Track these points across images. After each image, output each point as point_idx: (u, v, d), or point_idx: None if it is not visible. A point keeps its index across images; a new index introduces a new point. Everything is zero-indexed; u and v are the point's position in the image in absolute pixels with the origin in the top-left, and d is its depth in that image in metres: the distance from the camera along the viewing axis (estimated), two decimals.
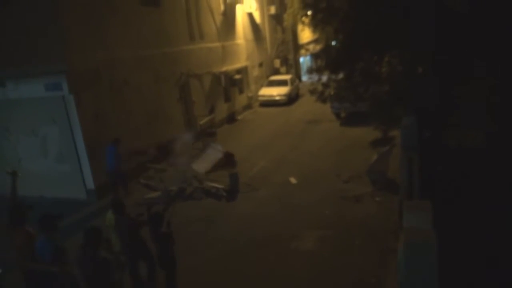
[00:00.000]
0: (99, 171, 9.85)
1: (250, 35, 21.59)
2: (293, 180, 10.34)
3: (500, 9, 6.73)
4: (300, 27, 24.46)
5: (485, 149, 7.41)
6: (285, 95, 20.99)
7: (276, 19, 26.00)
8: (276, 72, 25.63)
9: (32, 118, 10.11)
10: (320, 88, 10.14)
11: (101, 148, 10.00)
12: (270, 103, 20.91)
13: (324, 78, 10.09)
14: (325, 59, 10.07)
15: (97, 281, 4.57)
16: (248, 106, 20.97)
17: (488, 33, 6.98)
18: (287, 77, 23.11)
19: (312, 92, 10.39)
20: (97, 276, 4.56)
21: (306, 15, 10.67)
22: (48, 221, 4.86)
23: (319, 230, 7.72)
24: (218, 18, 17.46)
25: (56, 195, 10.04)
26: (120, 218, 5.83)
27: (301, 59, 32.67)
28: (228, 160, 10.12)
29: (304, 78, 29.32)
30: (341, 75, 9.61)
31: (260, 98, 21.51)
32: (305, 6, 10.22)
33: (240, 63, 20.00)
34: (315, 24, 10.45)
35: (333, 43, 10.32)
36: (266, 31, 24.64)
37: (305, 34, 29.88)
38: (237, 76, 19.02)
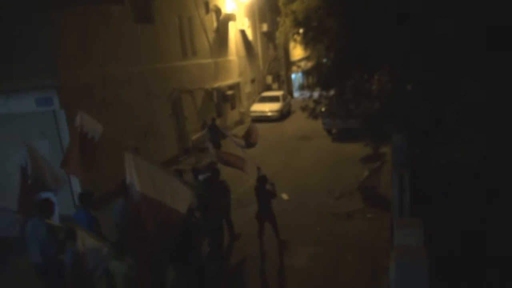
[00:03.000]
0: (88, 186, 9.72)
1: (242, 51, 21.80)
2: (284, 196, 10.31)
3: (485, 31, 6.91)
4: (292, 44, 24.77)
5: (475, 165, 7.49)
6: (277, 111, 21.11)
7: (268, 36, 26.33)
8: (268, 88, 25.83)
9: (22, 133, 9.99)
10: (311, 104, 10.22)
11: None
12: (262, 119, 20.99)
13: (316, 94, 10.19)
14: (317, 76, 10.18)
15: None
16: (240, 122, 21.02)
17: (475, 53, 7.14)
18: (279, 93, 23.28)
19: (303, 108, 10.47)
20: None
21: (297, 33, 10.82)
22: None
23: (311, 247, 7.68)
24: (211, 35, 17.63)
25: None
26: (216, 182, 7.36)
27: (293, 76, 33.00)
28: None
29: (296, 94, 29.59)
30: (332, 92, 9.71)
31: (252, 114, 21.58)
32: (297, 24, 10.37)
33: (233, 79, 20.13)
34: (306, 42, 10.61)
35: (324, 60, 10.45)
36: (258, 48, 24.91)
37: (297, 51, 30.29)
38: (229, 92, 19.12)
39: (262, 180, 7.48)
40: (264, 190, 7.40)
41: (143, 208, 4.60)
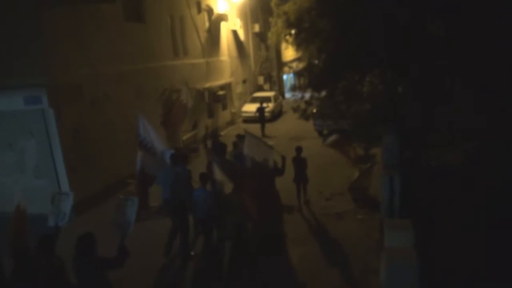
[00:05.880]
0: (78, 186, 9.62)
1: (234, 52, 21.77)
2: None
3: (476, 32, 6.98)
4: (283, 45, 24.81)
5: (465, 167, 7.56)
6: (268, 111, 21.07)
7: (260, 37, 26.33)
8: (260, 89, 25.81)
9: (10, 131, 9.85)
10: (303, 105, 10.24)
11: (81, 162, 9.81)
12: (253, 119, 20.96)
13: (307, 95, 10.20)
14: (308, 77, 10.20)
15: None
16: (231, 122, 20.98)
17: (465, 54, 7.21)
18: (270, 94, 23.27)
19: (295, 109, 10.47)
20: None
21: (289, 34, 10.83)
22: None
23: (302, 247, 7.68)
24: (203, 35, 17.57)
25: (32, 211, 9.67)
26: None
27: (285, 77, 33.07)
28: None
29: (288, 95, 29.62)
30: (323, 93, 9.73)
31: (244, 115, 21.55)
32: (289, 25, 10.38)
33: (224, 79, 20.08)
34: (298, 43, 10.63)
35: (316, 61, 10.48)
36: (250, 49, 24.90)
37: (289, 52, 30.36)
38: (221, 92, 19.06)
39: (298, 150, 9.20)
40: (300, 159, 9.18)
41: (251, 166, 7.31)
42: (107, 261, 4.49)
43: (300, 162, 9.27)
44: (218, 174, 7.26)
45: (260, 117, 18.69)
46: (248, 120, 21.16)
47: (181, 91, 9.64)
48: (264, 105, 19.32)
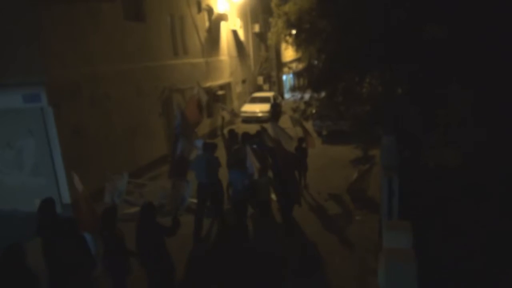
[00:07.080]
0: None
1: (234, 52, 21.77)
2: (274, 197, 10.29)
3: (480, 34, 6.97)
4: (283, 45, 24.85)
5: (464, 167, 7.55)
6: (267, 111, 21.07)
7: (260, 37, 26.35)
8: (259, 89, 25.82)
9: (8, 129, 9.83)
10: (302, 106, 10.25)
11: (80, 161, 9.79)
12: (252, 119, 20.95)
13: (307, 96, 10.22)
14: (308, 78, 10.22)
15: None
16: (231, 122, 20.95)
17: (466, 56, 7.21)
18: (270, 94, 23.27)
19: (294, 110, 10.49)
20: None
21: (289, 34, 10.86)
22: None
23: (300, 247, 7.68)
24: (203, 35, 17.57)
25: (30, 209, 9.67)
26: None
27: (284, 77, 33.08)
28: None
29: (287, 95, 29.65)
30: (323, 94, 9.74)
31: (243, 114, 21.53)
32: (289, 25, 10.41)
33: (224, 79, 20.08)
34: (298, 44, 10.65)
35: (316, 62, 10.49)
36: (250, 49, 24.91)
37: (289, 53, 30.36)
38: (220, 92, 19.06)
39: (300, 141, 10.24)
40: (302, 148, 10.22)
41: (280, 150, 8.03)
42: (165, 228, 5.46)
43: (301, 152, 10.17)
44: (250, 157, 7.90)
45: (273, 113, 19.89)
46: (248, 120, 21.16)
47: (194, 89, 10.81)
48: (278, 101, 21.23)
